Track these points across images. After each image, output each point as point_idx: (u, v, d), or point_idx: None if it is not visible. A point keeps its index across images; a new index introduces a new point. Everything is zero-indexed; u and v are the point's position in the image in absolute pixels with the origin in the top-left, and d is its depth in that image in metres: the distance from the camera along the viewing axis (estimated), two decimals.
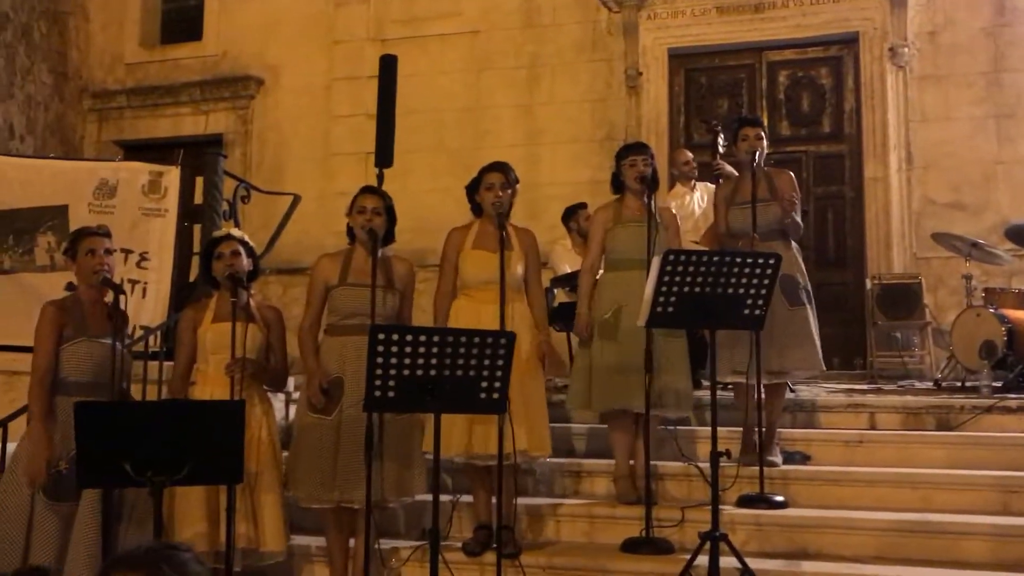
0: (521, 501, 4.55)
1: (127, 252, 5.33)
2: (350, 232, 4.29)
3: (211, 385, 4.02)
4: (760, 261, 3.91)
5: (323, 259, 4.30)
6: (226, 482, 3.51)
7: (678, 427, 5.04)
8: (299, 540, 4.47)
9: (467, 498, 4.54)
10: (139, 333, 5.00)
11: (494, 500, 4.28)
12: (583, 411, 4.97)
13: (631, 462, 4.68)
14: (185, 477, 3.14)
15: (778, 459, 4.79)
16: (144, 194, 5.42)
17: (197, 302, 4.35)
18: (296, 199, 6.08)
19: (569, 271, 6.45)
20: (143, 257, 5.37)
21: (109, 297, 3.84)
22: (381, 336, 3.41)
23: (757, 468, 4.49)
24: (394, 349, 3.43)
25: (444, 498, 4.41)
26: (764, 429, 4.78)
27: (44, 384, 3.84)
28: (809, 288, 4.93)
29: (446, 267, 4.47)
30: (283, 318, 4.30)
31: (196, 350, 4.15)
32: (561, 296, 6.75)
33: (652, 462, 4.43)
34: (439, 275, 4.51)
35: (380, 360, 3.44)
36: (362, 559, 4.01)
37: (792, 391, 5.59)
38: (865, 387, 6.62)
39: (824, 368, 5.10)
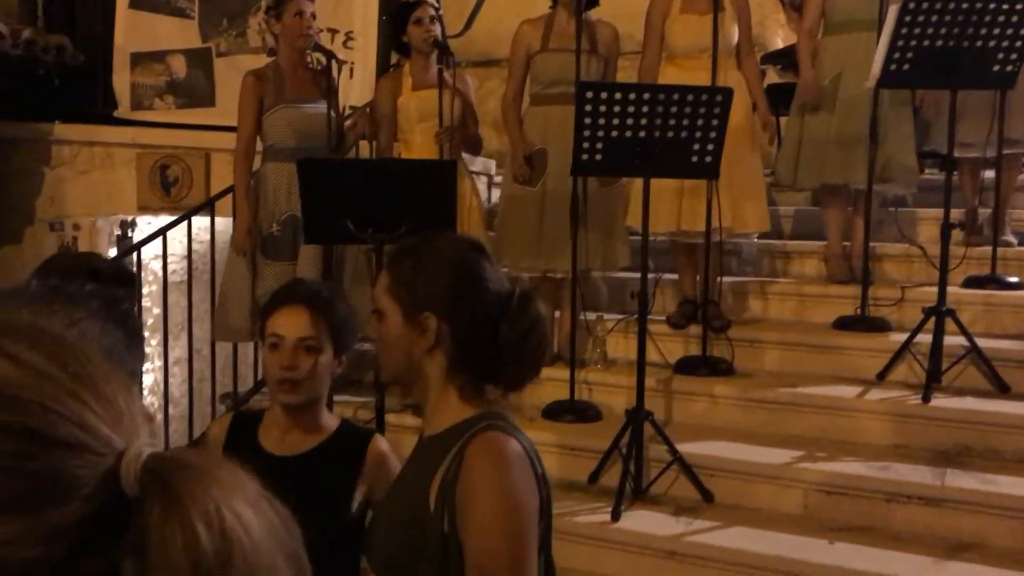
0: (726, 279, 4.46)
1: (333, 31, 5.36)
2: None
3: (416, 153, 4.03)
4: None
5: (523, 25, 4.14)
6: None
7: (898, 208, 4.71)
8: None
9: (670, 276, 4.48)
10: (348, 113, 5.08)
11: (699, 279, 4.20)
12: (791, 190, 4.73)
13: (845, 243, 4.44)
14: (402, 236, 3.21)
15: (1012, 239, 4.41)
16: None
17: (388, 72, 4.32)
18: None
19: (783, 46, 6.00)
20: (349, 36, 5.40)
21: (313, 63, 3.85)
22: (589, 94, 3.29)
23: (986, 249, 4.16)
24: (602, 109, 3.30)
25: (648, 276, 4.39)
26: (997, 206, 4.37)
27: (244, 154, 3.94)
28: None
29: (651, 36, 4.20)
30: (473, 89, 4.23)
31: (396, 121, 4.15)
32: (772, 76, 6.32)
33: (869, 243, 4.18)
34: (644, 46, 4.26)
35: (588, 121, 3.33)
36: (568, 328, 4.07)
37: None
38: None
39: None
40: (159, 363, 5.22)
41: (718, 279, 4.25)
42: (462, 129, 4.03)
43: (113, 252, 5.36)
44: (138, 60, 5.46)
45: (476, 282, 1.50)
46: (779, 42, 6.14)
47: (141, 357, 1.04)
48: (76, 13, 5.50)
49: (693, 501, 3.40)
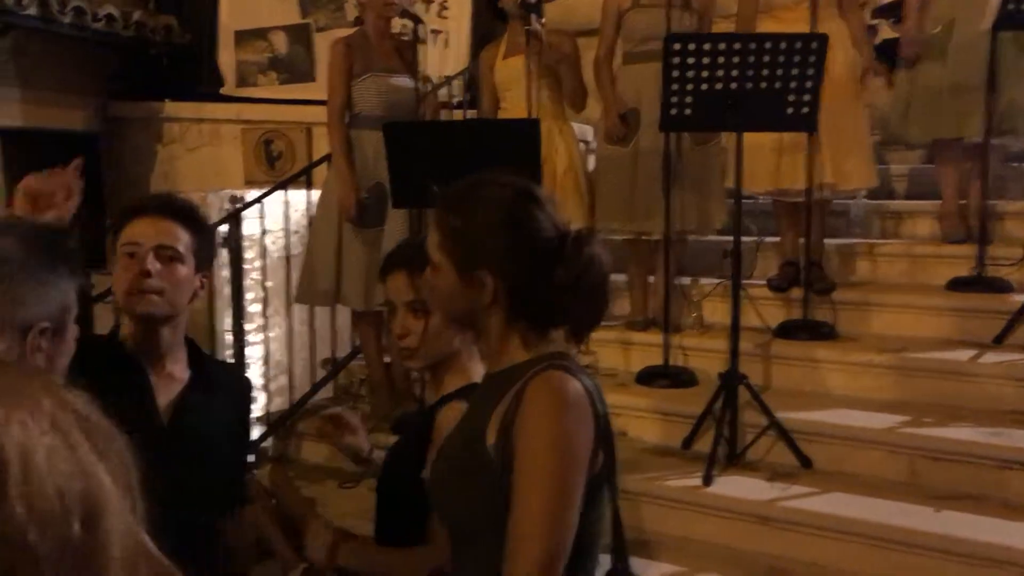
0: (832, 241, 4.27)
1: (428, 1, 5.38)
2: None
3: None
4: None
5: None
6: None
7: (1020, 163, 4.42)
8: None
9: (771, 239, 4.32)
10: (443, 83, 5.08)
11: (802, 241, 4.03)
12: (903, 148, 4.49)
13: (961, 202, 4.19)
14: None
15: None
16: None
17: (490, 42, 4.29)
18: None
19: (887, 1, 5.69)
20: (443, 6, 5.40)
21: (397, 30, 3.85)
22: (676, 46, 3.18)
23: None
24: (691, 61, 3.19)
25: (747, 239, 4.25)
26: None
27: (338, 119, 3.94)
28: None
29: None
30: (576, 43, 4.14)
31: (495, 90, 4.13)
32: (886, 31, 6.01)
33: (988, 201, 3.93)
34: None
35: (676, 74, 3.22)
36: (662, 292, 3.97)
37: None
38: None
39: None
40: (263, 335, 5.39)
41: (822, 240, 4.07)
42: (555, 78, 3.92)
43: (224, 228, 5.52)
44: (242, 37, 5.60)
45: (528, 231, 1.47)
46: None
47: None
48: None
49: (790, 467, 3.27)
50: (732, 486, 3.17)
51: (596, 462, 1.43)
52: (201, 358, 2.02)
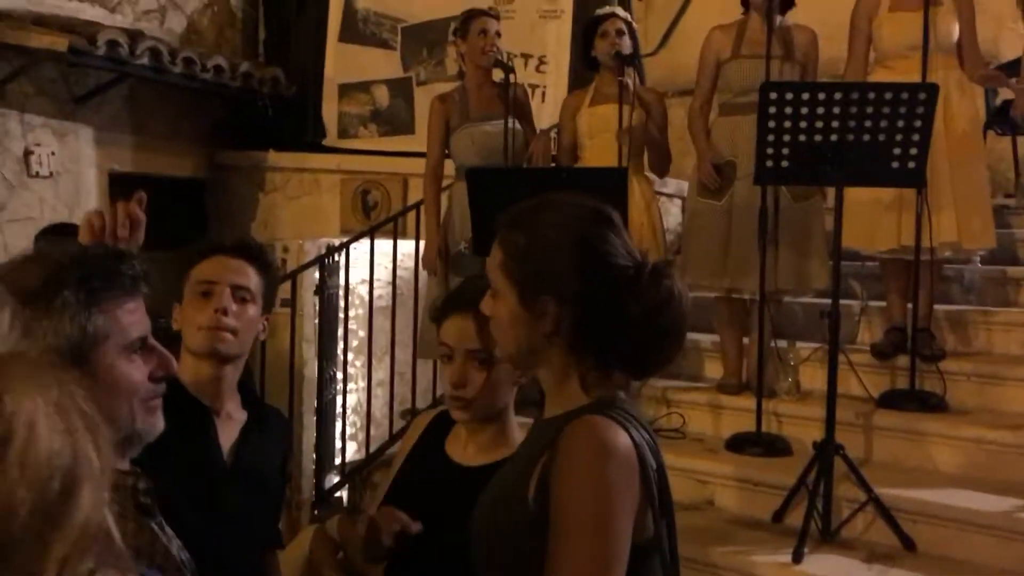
0: (943, 307, 4.00)
1: (527, 56, 5.38)
2: (744, 1, 3.88)
3: None
4: None
5: (714, 31, 3.94)
6: None
7: None
8: (692, 336, 4.35)
9: (877, 303, 4.09)
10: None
11: (910, 306, 3.78)
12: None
13: None
14: None
15: None
16: None
17: (576, 90, 4.24)
18: None
19: (1011, 59, 5.40)
20: (541, 61, 5.39)
21: (499, 76, 3.83)
22: (773, 95, 3.04)
23: None
24: (788, 110, 3.04)
25: (850, 302, 4.03)
26: None
27: (432, 176, 4.02)
28: None
29: (856, 38, 3.87)
30: (664, 101, 4.05)
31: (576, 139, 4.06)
32: (1005, 92, 5.71)
33: None
34: (849, 48, 3.93)
35: (772, 124, 3.08)
36: (756, 355, 3.77)
37: None
38: None
39: None
40: (363, 384, 5.38)
41: (932, 305, 3.82)
42: (640, 137, 3.85)
43: (317, 275, 5.59)
44: (345, 90, 5.71)
45: (599, 258, 1.35)
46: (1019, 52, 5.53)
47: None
48: (291, 47, 5.83)
49: (890, 548, 3.01)
50: (825, 565, 2.93)
51: (645, 525, 1.28)
52: (255, 398, 1.99)
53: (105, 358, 1.25)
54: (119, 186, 5.15)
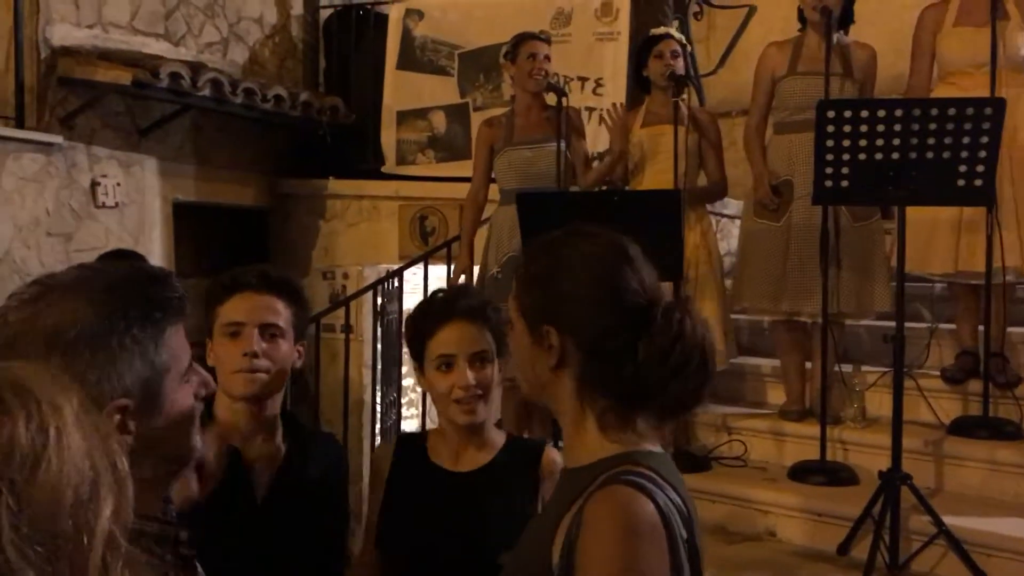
0: (1017, 330, 3.83)
1: (583, 80, 5.35)
2: (801, 17, 3.80)
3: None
4: None
5: (770, 47, 3.86)
6: (666, 279, 3.35)
7: None
8: (752, 361, 4.26)
9: (947, 326, 3.93)
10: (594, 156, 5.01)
11: (982, 329, 3.63)
12: None
13: None
14: None
15: None
16: (597, 18, 5.36)
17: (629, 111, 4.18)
18: (751, 10, 5.59)
19: None
20: (598, 84, 5.35)
21: (552, 100, 3.80)
22: (830, 113, 2.96)
23: None
24: (846, 129, 2.95)
25: (919, 325, 3.89)
26: None
27: (472, 201, 4.04)
28: None
29: (919, 54, 3.76)
30: (718, 124, 3.98)
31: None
32: None
33: None
34: (912, 64, 3.81)
35: (831, 143, 2.99)
36: (819, 380, 3.66)
37: None
38: None
39: None
40: (420, 409, 5.39)
41: (1005, 328, 3.66)
42: (695, 154, 3.78)
43: (379, 300, 5.63)
44: (403, 117, 5.75)
45: (610, 287, 1.31)
46: None
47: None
48: (351, 76, 5.90)
49: None
50: None
51: None
52: (298, 429, 1.97)
53: (171, 392, 1.14)
54: (183, 215, 5.27)
